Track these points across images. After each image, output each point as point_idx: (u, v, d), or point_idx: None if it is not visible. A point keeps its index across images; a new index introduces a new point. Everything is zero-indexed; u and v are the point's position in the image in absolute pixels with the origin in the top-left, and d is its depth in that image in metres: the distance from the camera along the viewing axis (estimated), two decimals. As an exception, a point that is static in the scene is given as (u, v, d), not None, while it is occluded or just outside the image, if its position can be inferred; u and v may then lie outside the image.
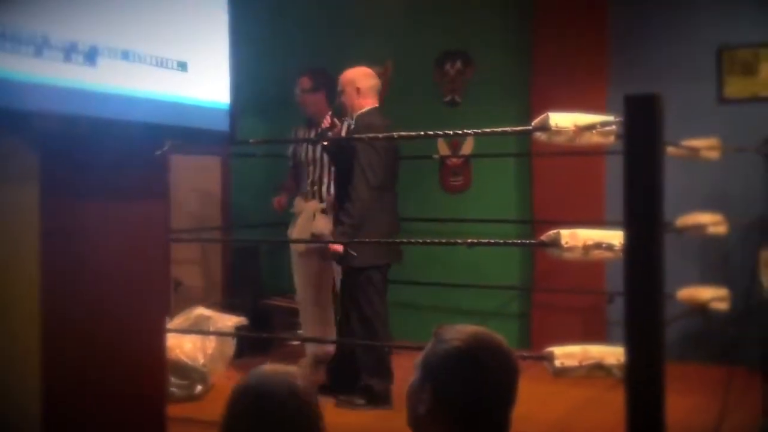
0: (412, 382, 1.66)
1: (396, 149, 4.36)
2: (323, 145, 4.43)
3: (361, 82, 4.22)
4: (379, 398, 4.13)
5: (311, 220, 4.70)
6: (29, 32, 2.23)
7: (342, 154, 4.19)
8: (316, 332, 4.85)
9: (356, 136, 4.16)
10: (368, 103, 4.24)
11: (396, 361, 4.29)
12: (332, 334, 4.82)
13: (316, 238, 4.62)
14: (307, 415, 1.73)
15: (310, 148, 4.75)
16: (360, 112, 4.22)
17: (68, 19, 2.33)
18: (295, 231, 4.76)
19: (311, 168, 4.77)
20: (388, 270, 4.33)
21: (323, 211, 4.67)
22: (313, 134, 4.73)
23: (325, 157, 4.63)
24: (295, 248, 4.81)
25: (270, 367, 1.80)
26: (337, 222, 4.25)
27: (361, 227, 4.06)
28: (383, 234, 4.11)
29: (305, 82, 4.76)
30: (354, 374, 4.22)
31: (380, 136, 4.03)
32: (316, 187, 4.75)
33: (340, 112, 4.35)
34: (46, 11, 2.28)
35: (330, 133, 4.32)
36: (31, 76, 2.25)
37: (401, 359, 4.84)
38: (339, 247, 4.07)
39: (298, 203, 4.84)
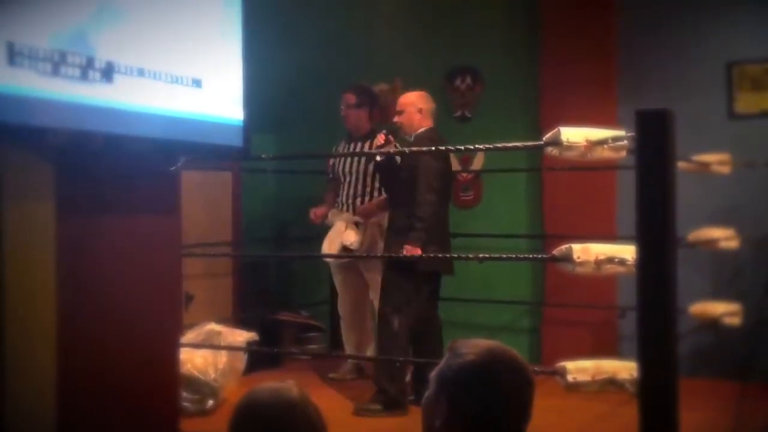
0: (427, 395, 1.67)
1: (450, 167, 4.62)
2: (375, 161, 4.55)
3: (423, 104, 4.46)
4: (395, 404, 4.19)
5: (341, 232, 4.78)
6: (46, 49, 2.25)
7: (396, 168, 4.38)
8: (354, 341, 5.00)
9: (411, 149, 4.34)
10: (427, 123, 4.46)
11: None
12: (370, 344, 4.95)
13: (345, 249, 4.72)
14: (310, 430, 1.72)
15: (347, 161, 4.91)
16: (419, 131, 4.43)
17: (84, 37, 2.36)
18: (326, 243, 4.86)
19: (347, 181, 4.90)
20: (438, 281, 4.47)
21: (355, 224, 4.79)
22: (352, 149, 4.90)
23: (362, 171, 4.82)
24: (329, 260, 4.97)
25: (268, 386, 1.78)
26: (394, 231, 4.37)
27: (429, 230, 4.20)
28: (439, 243, 4.28)
29: (350, 98, 4.91)
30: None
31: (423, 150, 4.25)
32: (350, 201, 4.87)
33: (395, 132, 4.51)
34: (63, 28, 2.31)
35: (384, 150, 4.42)
36: (48, 93, 2.28)
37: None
38: (417, 250, 4.13)
39: (332, 215, 4.94)
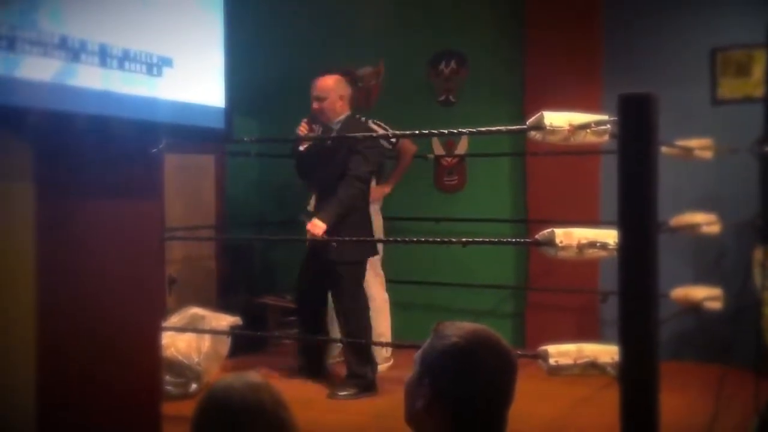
0: (410, 377, 1.67)
1: None
2: (298, 152, 4.54)
3: (344, 90, 4.45)
4: (371, 386, 4.33)
5: None
6: (25, 30, 2.22)
7: (334, 155, 4.33)
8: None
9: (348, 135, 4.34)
10: (347, 108, 4.45)
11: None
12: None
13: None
14: (277, 425, 1.71)
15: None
16: (342, 117, 4.41)
17: (63, 17, 2.33)
18: None
19: None
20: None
21: None
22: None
23: None
24: None
25: (234, 377, 1.77)
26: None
27: (351, 216, 4.28)
28: (371, 229, 4.46)
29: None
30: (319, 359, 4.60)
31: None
32: None
33: (315, 119, 4.48)
34: (40, 8, 2.27)
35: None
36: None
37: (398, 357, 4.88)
38: (322, 228, 4.12)
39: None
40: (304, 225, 4.30)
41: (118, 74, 2.49)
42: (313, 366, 4.61)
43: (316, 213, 4.28)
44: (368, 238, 4.57)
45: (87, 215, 2.60)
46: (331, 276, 4.33)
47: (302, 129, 4.43)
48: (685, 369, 4.47)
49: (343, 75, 4.95)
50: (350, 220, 4.28)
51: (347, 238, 4.20)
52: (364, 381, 4.31)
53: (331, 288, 4.41)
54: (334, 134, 4.38)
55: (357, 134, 4.34)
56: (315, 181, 4.49)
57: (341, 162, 4.27)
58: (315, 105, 4.41)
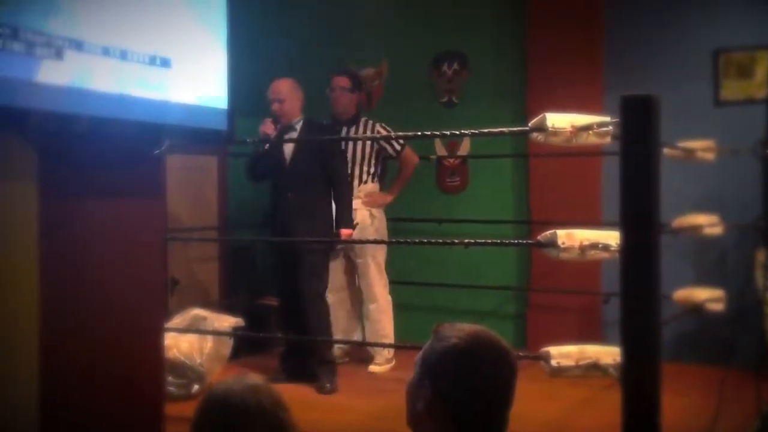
0: (410, 379, 1.68)
1: None
2: (259, 152, 4.66)
3: (300, 93, 4.61)
4: (333, 360, 4.57)
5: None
6: (26, 31, 2.23)
7: (310, 155, 4.49)
8: (342, 326, 5.05)
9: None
10: (301, 111, 4.60)
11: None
12: (357, 327, 5.08)
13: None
14: (276, 427, 1.71)
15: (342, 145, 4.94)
16: (300, 117, 4.57)
17: (65, 18, 2.34)
18: None
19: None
20: None
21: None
22: (352, 132, 4.94)
23: (359, 154, 4.89)
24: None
25: (234, 379, 1.77)
26: (307, 216, 4.49)
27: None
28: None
29: (344, 82, 4.94)
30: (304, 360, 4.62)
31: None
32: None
33: (275, 120, 4.56)
34: (42, 10, 2.28)
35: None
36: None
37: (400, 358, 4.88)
38: (350, 232, 4.51)
39: None
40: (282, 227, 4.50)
41: (121, 75, 2.50)
42: (299, 369, 4.57)
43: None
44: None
45: (90, 216, 2.61)
46: (298, 263, 4.45)
47: (268, 127, 4.47)
48: (686, 370, 4.47)
49: (350, 76, 5.00)
50: (318, 219, 4.47)
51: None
52: (330, 365, 4.48)
53: (298, 274, 4.46)
54: (296, 134, 4.55)
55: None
56: (284, 179, 4.54)
57: (317, 161, 4.44)
58: (275, 107, 4.52)
